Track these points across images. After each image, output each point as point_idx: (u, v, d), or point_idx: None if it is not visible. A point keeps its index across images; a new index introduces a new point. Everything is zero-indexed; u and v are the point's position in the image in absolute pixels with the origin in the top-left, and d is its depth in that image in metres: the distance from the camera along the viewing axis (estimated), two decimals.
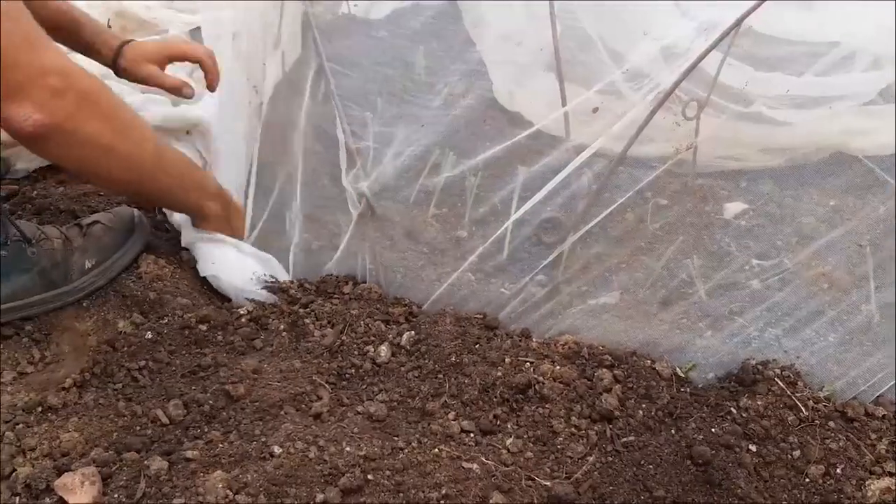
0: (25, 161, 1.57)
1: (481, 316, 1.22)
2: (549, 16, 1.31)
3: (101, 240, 1.27)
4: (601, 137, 1.30)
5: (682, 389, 1.08)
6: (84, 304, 1.24)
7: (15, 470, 1.00)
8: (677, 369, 1.10)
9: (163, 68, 1.39)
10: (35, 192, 1.46)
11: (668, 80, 1.35)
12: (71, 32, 1.39)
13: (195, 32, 1.98)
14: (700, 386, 1.09)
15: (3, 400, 1.12)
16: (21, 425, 1.06)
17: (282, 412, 1.08)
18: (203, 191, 1.32)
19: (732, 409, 1.05)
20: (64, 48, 1.36)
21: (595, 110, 1.28)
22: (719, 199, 1.55)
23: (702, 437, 1.02)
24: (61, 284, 1.23)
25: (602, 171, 1.25)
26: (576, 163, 1.28)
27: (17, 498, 0.98)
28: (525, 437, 1.03)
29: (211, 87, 1.42)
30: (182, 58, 1.42)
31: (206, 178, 1.36)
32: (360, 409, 1.09)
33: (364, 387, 1.14)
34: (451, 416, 1.07)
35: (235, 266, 1.31)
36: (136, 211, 1.36)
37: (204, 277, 1.33)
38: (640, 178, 1.39)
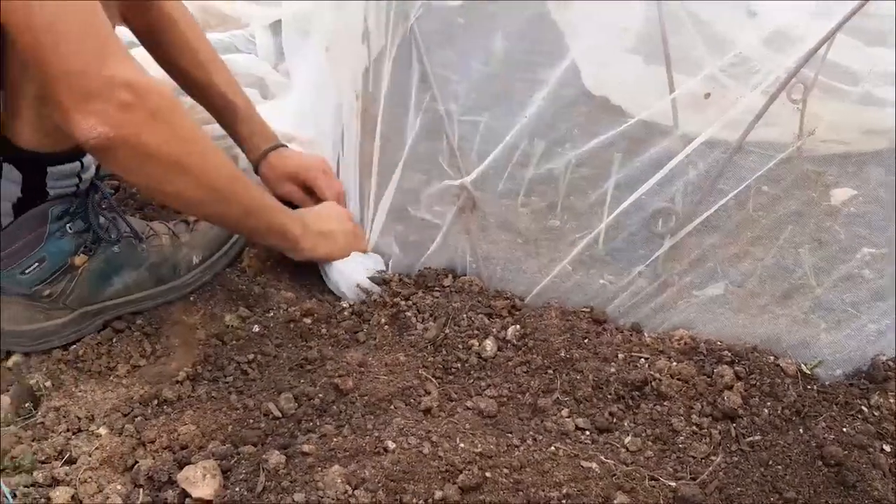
0: None
1: (588, 309, 1.19)
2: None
3: (206, 235, 1.29)
4: (712, 126, 1.26)
5: (809, 387, 1.03)
6: (191, 299, 1.26)
7: (137, 462, 1.02)
8: (802, 366, 1.05)
9: (299, 186, 1.44)
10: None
11: (778, 64, 1.30)
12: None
13: (277, 26, 1.99)
14: (827, 383, 1.05)
15: (119, 392, 1.14)
16: (140, 418, 1.08)
17: (391, 406, 1.08)
18: (284, 212, 1.25)
19: (863, 407, 1.00)
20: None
21: (707, 96, 1.24)
22: (826, 185, 1.48)
23: (832, 436, 0.97)
24: (170, 280, 1.25)
25: (714, 160, 1.20)
26: (686, 152, 1.24)
27: (141, 490, 0.99)
28: (643, 435, 1.00)
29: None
30: (312, 187, 1.45)
31: (282, 204, 1.28)
32: (469, 404, 1.08)
33: (471, 381, 1.12)
34: (565, 413, 1.04)
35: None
36: None
37: (303, 271, 1.33)
38: (741, 164, 1.34)
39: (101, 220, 1.21)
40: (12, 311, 1.18)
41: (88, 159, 1.18)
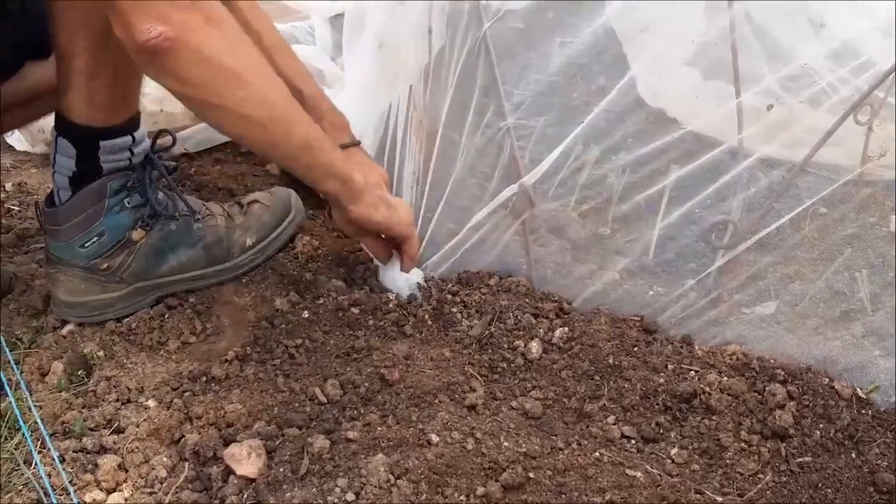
0: (180, 143, 1.64)
1: (639, 318, 1.18)
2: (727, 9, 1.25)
3: (260, 218, 1.32)
4: (771, 142, 1.24)
5: (864, 412, 1.01)
6: (243, 281, 1.28)
7: (183, 436, 1.04)
8: (858, 390, 1.03)
9: None
10: (193, 169, 1.51)
11: (842, 80, 1.28)
12: None
13: (336, 19, 2.02)
14: (883, 409, 1.03)
15: (169, 367, 1.16)
16: (188, 393, 1.10)
17: (436, 400, 1.08)
18: (345, 156, 1.18)
19: None
20: None
21: (770, 108, 1.22)
22: (884, 210, 1.45)
23: (886, 463, 0.95)
24: (223, 260, 1.28)
25: (775, 178, 1.19)
26: (740, 168, 1.23)
27: (186, 463, 1.01)
28: (690, 448, 0.99)
29: None
30: None
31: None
32: (513, 404, 1.08)
33: (516, 382, 1.12)
34: (611, 420, 1.04)
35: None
36: (293, 192, 1.37)
37: (355, 261, 1.34)
38: (799, 185, 1.32)
39: (160, 195, 1.23)
40: (70, 283, 1.20)
41: (140, 133, 1.19)
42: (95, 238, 1.19)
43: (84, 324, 1.22)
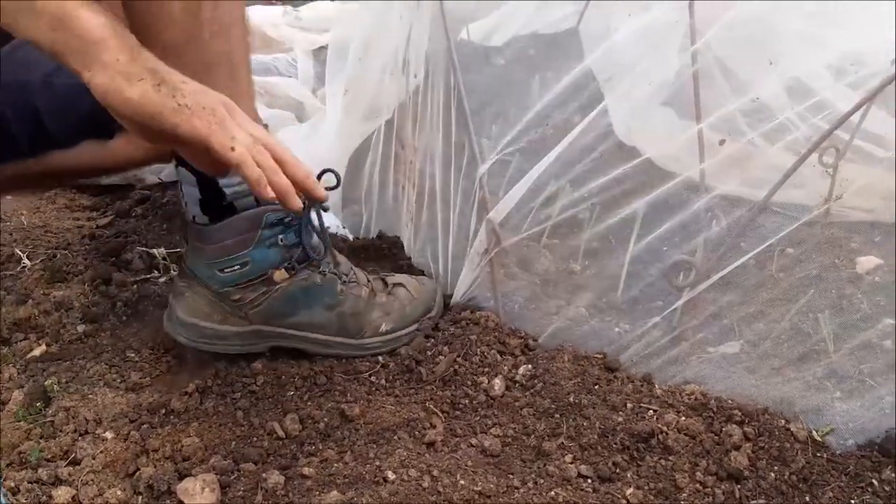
0: (154, 173, 1.66)
1: (601, 356, 1.18)
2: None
3: (404, 308, 1.23)
4: (731, 181, 1.26)
5: (819, 455, 1.01)
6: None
7: (139, 469, 1.03)
8: (813, 432, 1.04)
9: None
10: (165, 198, 1.52)
11: (800, 116, 1.31)
12: None
13: (319, 52, 2.04)
14: (838, 452, 1.03)
15: (128, 398, 1.16)
16: (146, 425, 1.10)
17: (395, 437, 1.07)
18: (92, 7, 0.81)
19: (874, 480, 0.98)
20: None
21: (722, 142, 1.24)
22: (851, 252, 1.47)
23: None
24: (352, 336, 1.20)
25: (738, 217, 1.21)
26: (698, 205, 1.25)
27: (140, 497, 1.00)
28: (646, 488, 0.99)
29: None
30: None
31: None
32: (473, 441, 1.07)
33: (477, 419, 1.12)
34: (569, 458, 1.03)
35: None
36: (438, 286, 1.31)
37: None
38: (765, 224, 1.33)
39: (314, 240, 1.15)
40: (194, 303, 1.16)
41: None
42: (238, 266, 1.13)
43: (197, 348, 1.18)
